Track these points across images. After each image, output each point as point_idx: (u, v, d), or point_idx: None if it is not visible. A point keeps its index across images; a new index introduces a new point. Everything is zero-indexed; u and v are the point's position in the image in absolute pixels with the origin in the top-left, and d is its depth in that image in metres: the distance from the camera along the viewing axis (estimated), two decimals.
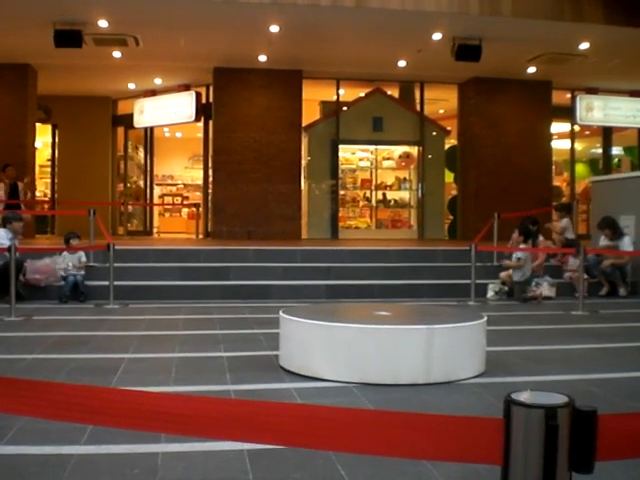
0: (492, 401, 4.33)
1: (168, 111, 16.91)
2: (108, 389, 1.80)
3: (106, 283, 9.16)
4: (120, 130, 18.68)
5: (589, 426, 1.39)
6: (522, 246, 10.40)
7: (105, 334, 6.99)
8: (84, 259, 9.75)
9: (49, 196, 18.71)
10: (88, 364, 5.45)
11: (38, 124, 16.32)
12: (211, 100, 16.10)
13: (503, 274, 10.45)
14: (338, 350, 4.94)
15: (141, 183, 19.20)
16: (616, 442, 1.39)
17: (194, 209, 17.58)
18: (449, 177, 17.61)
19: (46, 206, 18.49)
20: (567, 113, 16.97)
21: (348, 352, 4.91)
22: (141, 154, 19.32)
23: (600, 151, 18.64)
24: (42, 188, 18.92)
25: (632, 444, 1.41)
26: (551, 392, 1.48)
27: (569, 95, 17.10)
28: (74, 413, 1.71)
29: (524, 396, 1.44)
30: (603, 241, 10.91)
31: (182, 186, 23.08)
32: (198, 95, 16.39)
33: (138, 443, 3.42)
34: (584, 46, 13.21)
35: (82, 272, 9.62)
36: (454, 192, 17.46)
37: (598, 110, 17.03)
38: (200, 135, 17.46)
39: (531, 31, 12.31)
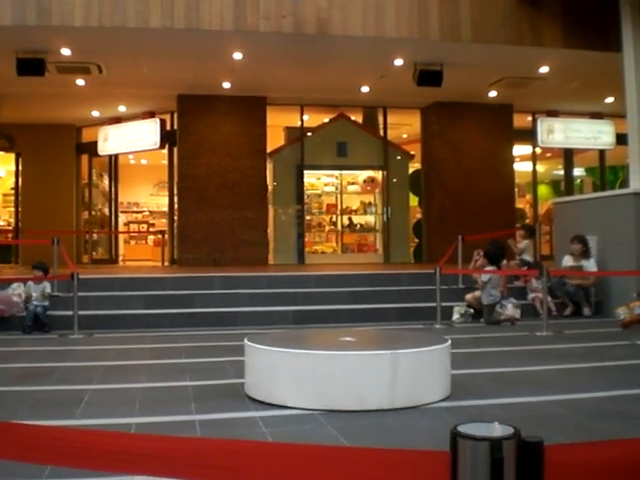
0: None
1: (133, 138, 16.82)
2: (69, 429, 1.79)
3: (70, 313, 9.07)
4: (84, 158, 18.48)
5: (535, 457, 1.40)
6: (488, 268, 10.47)
7: (69, 365, 6.93)
8: (48, 290, 9.63)
9: (13, 225, 18.49)
10: (51, 396, 5.39)
11: (1, 153, 16.18)
12: (175, 127, 16.10)
13: (469, 296, 10.54)
14: (303, 377, 4.94)
15: (106, 211, 19.06)
16: (563, 473, 1.40)
17: (160, 236, 17.50)
18: (414, 201, 17.72)
19: (10, 235, 18.27)
20: (528, 136, 17.21)
21: (313, 379, 4.91)
22: (106, 181, 19.21)
23: (562, 173, 18.88)
24: (6, 217, 18.73)
25: (579, 475, 1.43)
26: (497, 422, 1.50)
27: (530, 118, 17.34)
28: (34, 454, 1.70)
29: (470, 428, 1.45)
30: (567, 262, 11.04)
31: (148, 213, 23.03)
32: (162, 122, 16.35)
33: (104, 477, 3.38)
34: (544, 70, 13.44)
35: (45, 303, 9.51)
36: (419, 215, 17.58)
37: (559, 132, 17.27)
38: (165, 162, 17.42)
39: (491, 56, 12.52)
